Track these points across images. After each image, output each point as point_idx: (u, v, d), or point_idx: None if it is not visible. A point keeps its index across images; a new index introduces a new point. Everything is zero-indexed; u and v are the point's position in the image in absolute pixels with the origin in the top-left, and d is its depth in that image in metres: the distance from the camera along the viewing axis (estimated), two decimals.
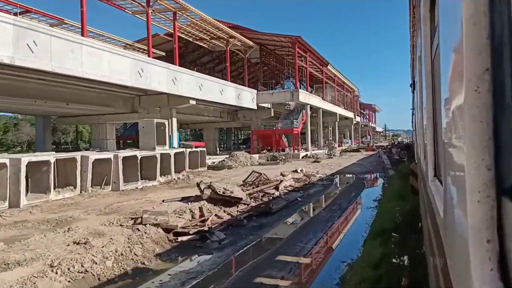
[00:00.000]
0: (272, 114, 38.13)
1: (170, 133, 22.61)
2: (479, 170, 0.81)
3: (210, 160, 24.53)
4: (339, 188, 16.48)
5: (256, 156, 29.83)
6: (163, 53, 34.82)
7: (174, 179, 17.04)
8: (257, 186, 13.25)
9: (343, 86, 64.05)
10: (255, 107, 36.53)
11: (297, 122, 38.98)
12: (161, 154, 16.65)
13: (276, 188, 13.29)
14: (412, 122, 18.19)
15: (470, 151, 0.83)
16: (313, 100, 42.39)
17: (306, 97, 39.20)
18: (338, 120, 55.44)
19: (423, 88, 3.16)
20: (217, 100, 30.21)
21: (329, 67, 51.53)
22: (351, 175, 20.30)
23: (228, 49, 35.72)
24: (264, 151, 35.09)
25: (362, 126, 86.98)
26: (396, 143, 53.07)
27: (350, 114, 65.60)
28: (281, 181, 14.27)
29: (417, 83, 5.78)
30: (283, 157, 29.55)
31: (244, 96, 34.63)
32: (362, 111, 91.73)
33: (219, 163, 24.84)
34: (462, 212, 0.92)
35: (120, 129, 48.77)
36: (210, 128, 44.24)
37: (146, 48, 29.39)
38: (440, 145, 1.89)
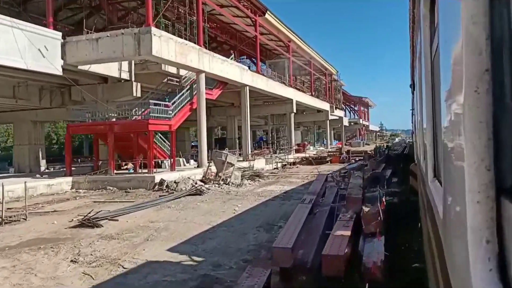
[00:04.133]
0: (138, 94, 20.13)
1: None
2: (478, 171, 0.81)
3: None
4: None
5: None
6: None
7: None
8: None
9: (309, 62, 43.08)
10: (58, 72, 16.05)
11: (172, 109, 19.55)
12: None
13: None
14: (412, 122, 18.24)
15: (470, 151, 0.83)
16: (215, 64, 21.68)
17: (183, 51, 18.53)
18: (294, 111, 36.23)
19: (423, 88, 3.16)
20: None
21: (268, 17, 28.99)
22: None
23: None
24: (126, 167, 20.03)
25: (351, 123, 73.88)
26: (383, 149, 29.23)
27: (323, 105, 46.88)
28: None
29: (417, 84, 5.79)
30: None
31: None
32: (351, 105, 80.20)
33: None
34: (462, 212, 0.92)
35: None
36: (24, 122, 23.70)
37: None
38: (440, 145, 1.89)
